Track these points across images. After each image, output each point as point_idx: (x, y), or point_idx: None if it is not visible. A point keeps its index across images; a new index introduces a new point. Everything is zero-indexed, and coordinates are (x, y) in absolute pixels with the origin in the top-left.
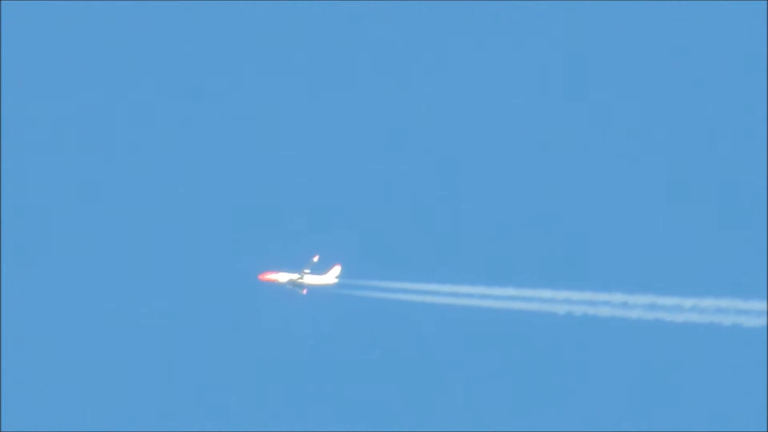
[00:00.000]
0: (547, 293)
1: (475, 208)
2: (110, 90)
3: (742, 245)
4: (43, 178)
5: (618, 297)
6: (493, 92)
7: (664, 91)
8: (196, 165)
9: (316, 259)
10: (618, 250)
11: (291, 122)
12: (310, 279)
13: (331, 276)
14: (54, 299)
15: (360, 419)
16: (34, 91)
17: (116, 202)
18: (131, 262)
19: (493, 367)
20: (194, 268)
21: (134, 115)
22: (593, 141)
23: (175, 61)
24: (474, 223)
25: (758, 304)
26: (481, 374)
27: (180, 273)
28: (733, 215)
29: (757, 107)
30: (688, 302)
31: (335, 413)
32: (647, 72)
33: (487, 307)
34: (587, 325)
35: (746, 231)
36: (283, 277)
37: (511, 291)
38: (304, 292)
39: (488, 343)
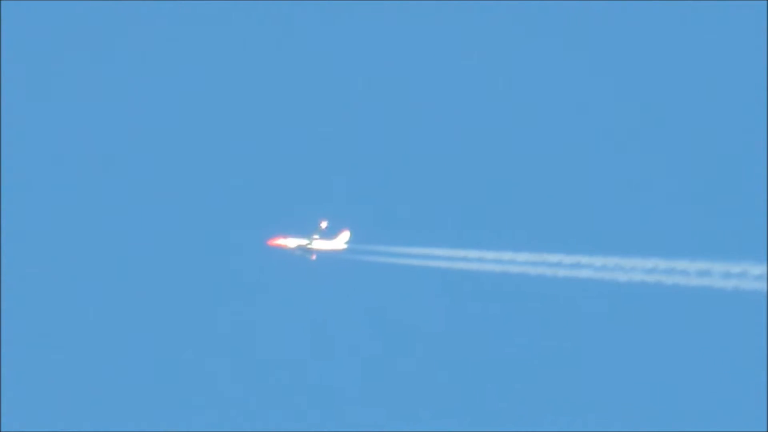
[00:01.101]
0: (556, 257)
1: (484, 170)
2: (110, 90)
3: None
4: (43, 178)
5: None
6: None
7: (664, 91)
8: (197, 154)
9: (324, 224)
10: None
11: (295, 83)
12: (319, 244)
13: (340, 241)
14: (54, 299)
15: (368, 388)
16: (34, 91)
17: (116, 200)
18: (134, 253)
19: (502, 331)
20: (200, 243)
21: (134, 115)
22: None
23: (174, 60)
24: (483, 185)
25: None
26: (491, 338)
27: (186, 250)
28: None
29: (758, 107)
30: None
31: (343, 381)
32: (647, 72)
33: (496, 272)
34: (602, 290)
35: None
36: (292, 242)
37: (522, 256)
38: (313, 257)
39: (498, 307)
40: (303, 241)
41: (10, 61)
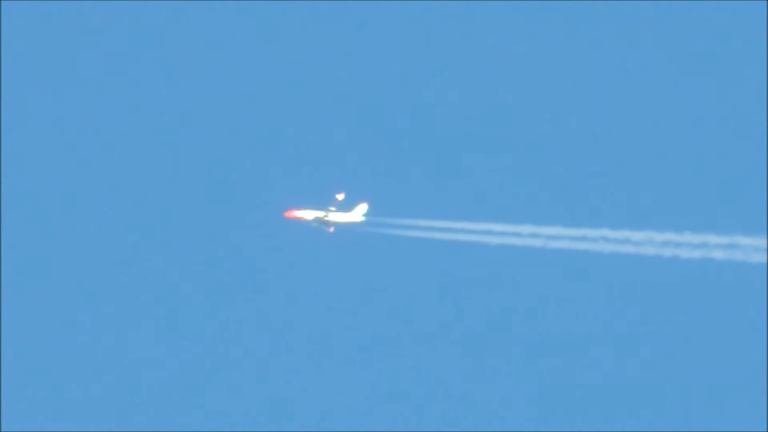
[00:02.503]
0: (576, 231)
1: (502, 143)
2: (110, 90)
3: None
4: (43, 178)
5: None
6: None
7: (664, 92)
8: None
9: (341, 197)
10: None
11: (309, 60)
12: (337, 217)
13: (358, 214)
14: (54, 298)
15: (384, 362)
16: (34, 91)
17: (116, 199)
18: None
19: (520, 305)
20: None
21: (134, 115)
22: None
23: (174, 60)
24: (502, 157)
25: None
26: (510, 313)
27: (203, 226)
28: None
29: (757, 107)
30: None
31: (357, 355)
32: (646, 72)
33: (517, 245)
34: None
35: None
36: (309, 214)
37: (544, 229)
38: (331, 230)
39: (516, 281)
40: (320, 214)
41: (10, 61)
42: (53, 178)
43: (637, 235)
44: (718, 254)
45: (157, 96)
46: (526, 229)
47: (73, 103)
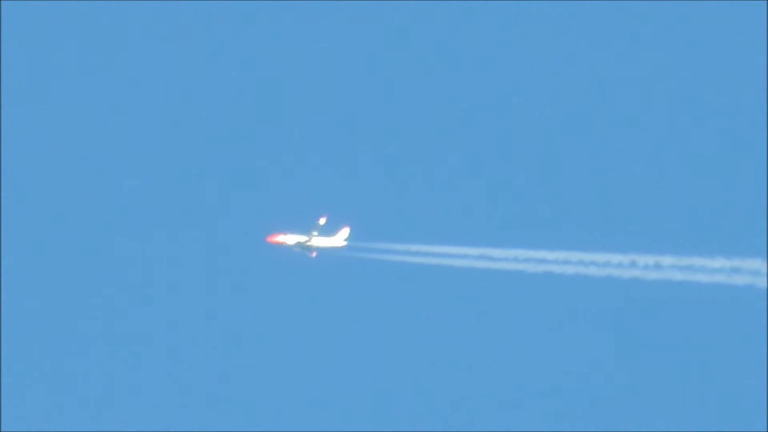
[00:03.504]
0: (556, 254)
1: (484, 165)
2: (110, 90)
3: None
4: (43, 178)
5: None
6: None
7: (664, 91)
8: (195, 152)
9: (322, 221)
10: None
11: (291, 80)
12: (319, 241)
13: (340, 238)
14: (54, 298)
15: (369, 385)
16: (34, 91)
17: (116, 199)
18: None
19: (503, 330)
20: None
21: (134, 115)
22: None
23: (175, 59)
24: (484, 180)
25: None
26: (492, 337)
27: (184, 248)
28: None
29: (757, 107)
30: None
31: (343, 379)
32: (646, 72)
33: (498, 269)
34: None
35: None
36: (291, 239)
37: (527, 253)
38: (313, 255)
39: (502, 306)
40: (302, 238)
41: (10, 61)
42: (53, 178)
43: (624, 258)
44: (714, 276)
45: (156, 96)
46: (512, 253)
47: (73, 103)
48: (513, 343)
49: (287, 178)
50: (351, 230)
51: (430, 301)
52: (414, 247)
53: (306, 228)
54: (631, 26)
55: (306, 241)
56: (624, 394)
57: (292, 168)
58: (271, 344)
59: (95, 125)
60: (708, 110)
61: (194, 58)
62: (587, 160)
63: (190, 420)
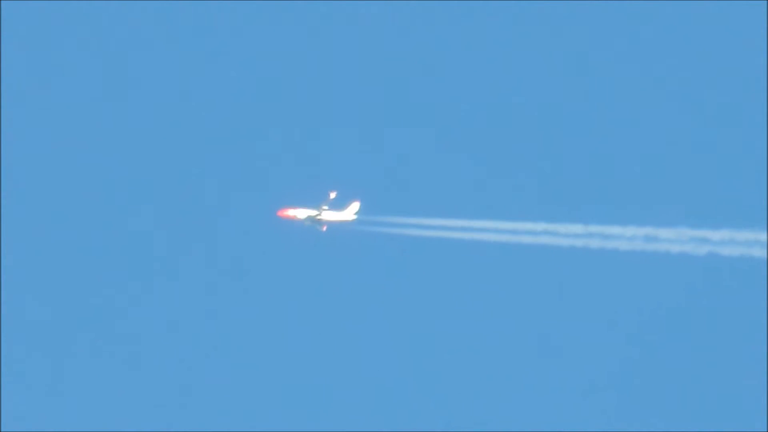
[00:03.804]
0: (567, 228)
1: (495, 138)
2: (110, 90)
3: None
4: (43, 178)
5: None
6: None
7: (664, 92)
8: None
9: (333, 195)
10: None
11: (302, 56)
12: (329, 215)
13: (350, 212)
14: (54, 298)
15: (378, 361)
16: (34, 91)
17: (116, 200)
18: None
19: (516, 304)
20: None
21: (133, 114)
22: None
23: (175, 59)
24: (495, 153)
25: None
26: (504, 312)
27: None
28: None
29: (757, 107)
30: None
31: (352, 355)
32: (646, 72)
33: (508, 243)
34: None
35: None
36: (301, 213)
37: (538, 226)
38: (324, 228)
39: (511, 279)
40: (312, 212)
41: (10, 61)
42: (53, 178)
43: (639, 231)
44: (718, 250)
45: (156, 95)
46: (522, 226)
47: (73, 103)
48: (521, 316)
49: (298, 153)
50: (361, 204)
51: (441, 275)
52: (424, 221)
53: (316, 202)
54: (631, 26)
55: (316, 215)
56: (623, 394)
57: (303, 143)
58: (281, 319)
59: (95, 125)
60: (708, 110)
61: (194, 57)
62: (595, 140)
63: (192, 416)
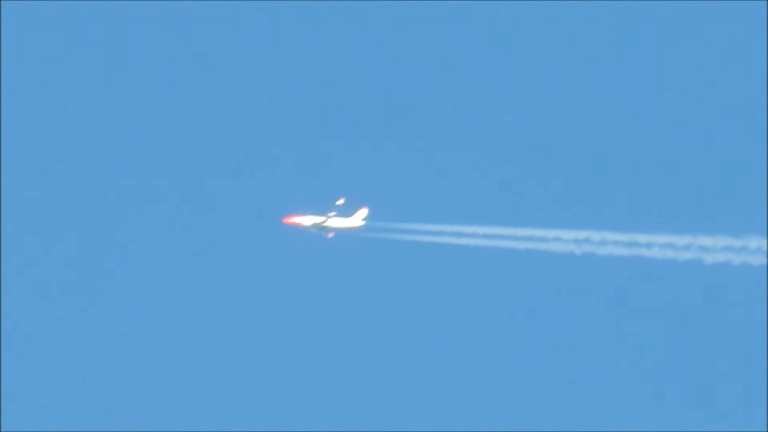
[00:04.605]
0: (570, 234)
1: (503, 144)
2: (110, 90)
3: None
4: (43, 178)
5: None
6: None
7: (664, 92)
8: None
9: (341, 201)
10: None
11: (309, 61)
12: (336, 222)
13: (358, 219)
14: (54, 298)
15: (384, 369)
16: (34, 91)
17: (115, 201)
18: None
19: (524, 309)
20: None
21: (132, 114)
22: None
23: (176, 59)
24: (503, 160)
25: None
26: (513, 318)
27: (199, 230)
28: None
29: (757, 107)
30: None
31: (357, 361)
32: (646, 72)
33: (518, 249)
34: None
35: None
36: (307, 220)
37: (550, 233)
38: (330, 235)
39: (521, 285)
40: (319, 219)
41: (10, 61)
42: (53, 178)
43: (641, 238)
44: (715, 256)
45: (156, 96)
46: (529, 232)
47: (73, 103)
48: (526, 321)
49: (306, 159)
50: (369, 211)
51: (449, 281)
52: (433, 227)
53: (324, 209)
54: (631, 26)
55: (323, 222)
56: (624, 395)
57: (310, 149)
58: (286, 328)
59: (95, 125)
60: (708, 110)
61: (193, 56)
62: (600, 148)
63: (191, 417)
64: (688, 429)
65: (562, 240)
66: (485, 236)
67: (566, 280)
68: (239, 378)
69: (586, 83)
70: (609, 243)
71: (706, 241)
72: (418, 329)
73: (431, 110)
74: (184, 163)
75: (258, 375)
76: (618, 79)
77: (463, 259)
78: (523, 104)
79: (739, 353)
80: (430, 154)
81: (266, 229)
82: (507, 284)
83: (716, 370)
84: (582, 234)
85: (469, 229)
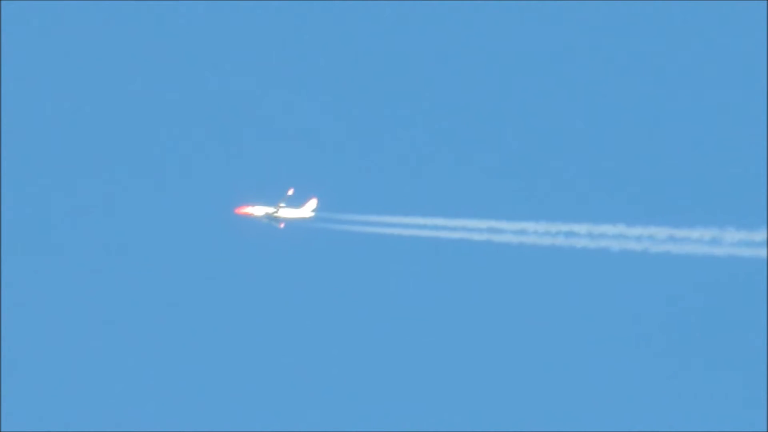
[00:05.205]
0: (526, 225)
1: (451, 135)
2: (110, 90)
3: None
4: (43, 178)
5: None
6: None
7: (663, 92)
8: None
9: (290, 192)
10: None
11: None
12: (287, 212)
13: (308, 209)
14: (54, 298)
15: (336, 361)
16: (34, 91)
17: (116, 201)
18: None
19: (473, 301)
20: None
21: (133, 116)
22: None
23: (175, 60)
24: (452, 149)
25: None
26: (461, 309)
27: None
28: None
29: (757, 107)
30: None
31: (309, 353)
32: (646, 72)
33: (467, 240)
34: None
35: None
36: (259, 210)
37: (493, 223)
38: (281, 226)
39: (467, 277)
40: (270, 209)
41: (10, 61)
42: (53, 178)
43: (632, 231)
44: (718, 250)
45: (156, 95)
46: (482, 223)
47: (73, 103)
48: (480, 313)
49: (255, 150)
50: (318, 201)
51: (399, 272)
52: (383, 219)
53: (274, 199)
54: (631, 26)
55: (274, 212)
56: (624, 394)
57: (260, 140)
58: (238, 318)
59: (95, 125)
60: (708, 111)
61: (193, 56)
62: (578, 136)
63: (190, 417)
64: (688, 429)
65: (509, 231)
66: (435, 227)
67: (536, 273)
68: (187, 371)
69: (579, 81)
70: (578, 235)
71: (693, 233)
72: (365, 318)
73: (383, 100)
74: (137, 155)
75: (206, 367)
76: (618, 78)
77: (411, 250)
78: (483, 95)
79: (739, 353)
80: (380, 144)
81: (218, 219)
82: (456, 275)
83: (716, 370)
84: (530, 226)
85: (419, 221)
